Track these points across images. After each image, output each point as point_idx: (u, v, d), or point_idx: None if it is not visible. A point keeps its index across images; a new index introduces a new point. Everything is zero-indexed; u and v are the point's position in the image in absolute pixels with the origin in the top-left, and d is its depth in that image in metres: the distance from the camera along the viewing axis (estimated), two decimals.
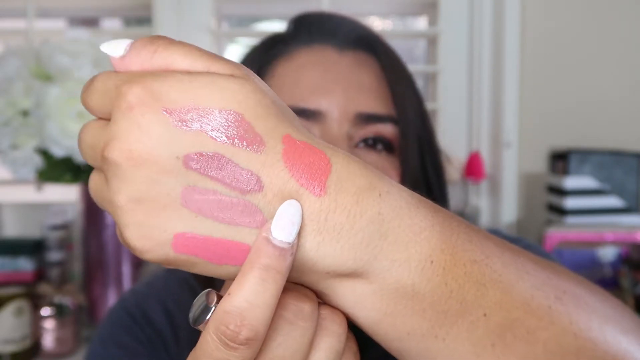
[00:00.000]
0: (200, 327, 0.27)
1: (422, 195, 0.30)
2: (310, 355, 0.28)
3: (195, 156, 0.24)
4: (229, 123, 0.25)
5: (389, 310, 0.28)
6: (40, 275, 1.11)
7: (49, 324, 1.00)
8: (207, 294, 0.27)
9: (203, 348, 0.25)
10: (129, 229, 0.25)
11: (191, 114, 0.24)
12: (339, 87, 0.48)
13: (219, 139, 0.24)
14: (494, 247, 0.30)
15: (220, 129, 0.24)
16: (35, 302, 1.01)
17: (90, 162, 0.27)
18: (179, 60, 0.26)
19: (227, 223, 0.25)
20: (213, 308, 0.26)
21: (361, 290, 0.28)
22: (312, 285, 0.28)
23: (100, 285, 1.06)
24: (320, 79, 0.49)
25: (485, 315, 0.29)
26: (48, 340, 1.01)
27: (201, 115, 0.24)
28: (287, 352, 0.27)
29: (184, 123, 0.24)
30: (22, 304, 0.98)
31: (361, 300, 0.28)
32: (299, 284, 0.29)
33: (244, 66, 0.26)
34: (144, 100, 0.24)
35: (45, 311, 1.00)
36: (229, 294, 0.25)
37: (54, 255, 1.12)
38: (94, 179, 0.27)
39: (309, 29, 0.53)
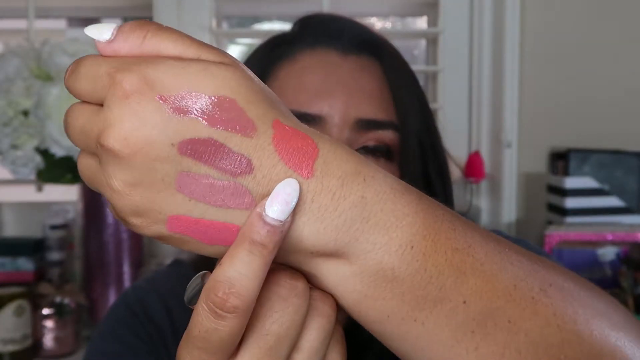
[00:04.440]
0: (194, 307, 0.28)
1: None
2: (302, 334, 0.29)
3: (190, 143, 0.25)
4: (223, 109, 0.25)
5: (369, 292, 0.29)
6: (40, 275, 1.11)
7: (49, 324, 1.00)
8: (202, 276, 0.28)
9: (194, 320, 0.27)
10: (125, 210, 0.26)
11: (185, 100, 0.25)
12: (340, 93, 0.49)
13: (212, 125, 0.25)
14: (478, 237, 0.30)
15: (214, 114, 0.25)
16: (36, 302, 1.01)
17: (80, 146, 0.27)
18: (170, 47, 0.26)
19: (219, 206, 0.26)
20: None
21: (343, 271, 0.29)
22: (297, 265, 0.29)
23: (101, 285, 1.06)
24: (322, 83, 0.49)
25: (464, 302, 0.29)
26: (48, 340, 1.01)
27: (195, 102, 0.25)
28: (282, 329, 0.28)
29: (179, 110, 0.25)
30: (23, 303, 0.98)
31: (343, 281, 0.29)
32: (287, 266, 0.29)
33: (230, 54, 0.27)
34: (139, 88, 0.24)
35: (46, 311, 1.00)
36: (220, 265, 0.26)
37: (54, 255, 1.12)
38: (85, 163, 0.28)
39: (313, 31, 0.53)
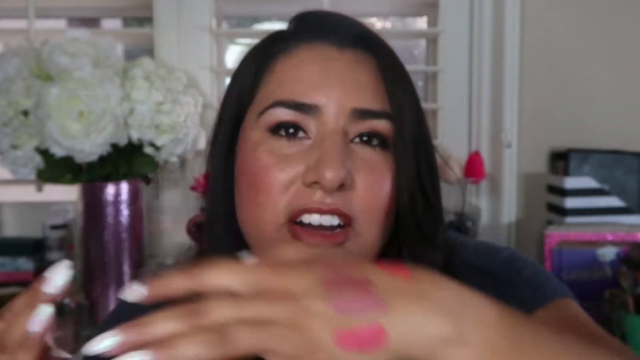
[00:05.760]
0: None
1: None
2: None
3: None
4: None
5: None
6: (40, 275, 1.11)
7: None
8: None
9: None
10: None
11: None
12: (337, 84, 0.49)
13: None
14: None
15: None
16: None
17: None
18: None
19: None
20: None
21: None
22: None
23: (101, 285, 1.06)
24: (319, 75, 0.50)
25: None
26: (48, 340, 1.00)
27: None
28: None
29: None
30: None
31: None
32: None
33: None
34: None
35: None
36: None
37: (54, 255, 1.12)
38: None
39: (309, 28, 0.54)
